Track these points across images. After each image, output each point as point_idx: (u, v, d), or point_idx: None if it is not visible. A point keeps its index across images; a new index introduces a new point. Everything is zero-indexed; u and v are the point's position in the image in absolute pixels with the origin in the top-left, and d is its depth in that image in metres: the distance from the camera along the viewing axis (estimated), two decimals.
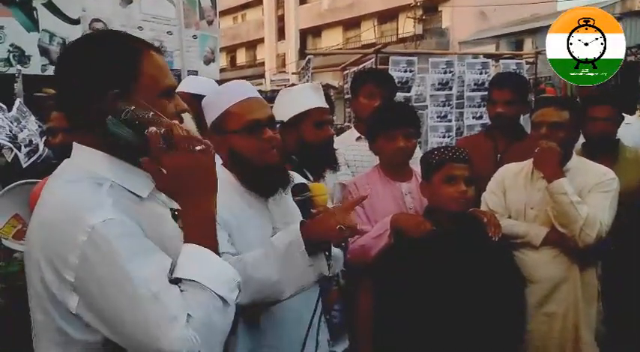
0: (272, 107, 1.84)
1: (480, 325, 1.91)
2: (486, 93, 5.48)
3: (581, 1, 17.25)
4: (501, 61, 5.99)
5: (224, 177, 1.66)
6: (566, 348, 2.21)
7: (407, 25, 22.32)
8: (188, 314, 0.97)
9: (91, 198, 1.03)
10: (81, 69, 1.09)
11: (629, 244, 2.36)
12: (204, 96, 2.60)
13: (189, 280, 1.01)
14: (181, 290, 1.00)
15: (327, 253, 1.52)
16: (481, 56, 5.89)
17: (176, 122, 1.07)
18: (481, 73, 5.39)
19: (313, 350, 1.59)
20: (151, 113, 1.05)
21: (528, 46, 15.11)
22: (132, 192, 1.12)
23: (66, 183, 1.08)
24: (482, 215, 2.16)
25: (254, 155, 1.57)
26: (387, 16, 24.17)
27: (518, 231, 2.27)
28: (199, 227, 1.08)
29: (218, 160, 1.74)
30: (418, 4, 22.16)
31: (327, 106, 2.25)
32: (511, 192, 2.37)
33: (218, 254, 1.10)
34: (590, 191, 2.19)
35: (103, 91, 1.06)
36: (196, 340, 0.96)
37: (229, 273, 1.09)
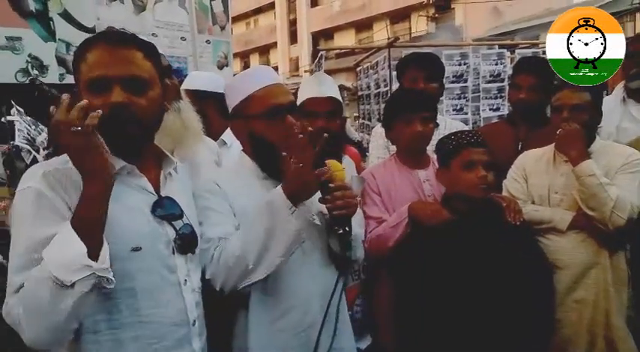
0: None
1: (506, 316, 1.85)
2: (502, 84, 5.48)
3: None
4: (517, 50, 5.91)
5: (244, 162, 1.67)
6: (598, 336, 2.14)
7: (419, 24, 22.22)
8: (22, 284, 1.12)
9: (33, 171, 1.23)
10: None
11: None
12: (207, 92, 2.63)
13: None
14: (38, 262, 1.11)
15: (347, 228, 1.52)
16: (496, 47, 5.80)
17: (64, 98, 1.10)
18: (497, 64, 5.33)
19: (330, 338, 1.57)
20: (53, 91, 1.12)
21: (544, 40, 14.89)
22: None
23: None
24: (502, 200, 2.11)
25: (275, 140, 1.56)
26: (399, 15, 24.08)
27: (543, 216, 2.21)
28: (79, 207, 1.14)
29: (239, 146, 1.75)
30: (431, 2, 22.04)
31: (329, 95, 2.19)
32: (533, 177, 2.31)
33: (95, 234, 1.13)
34: (616, 172, 2.13)
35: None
36: (18, 307, 1.11)
37: (74, 256, 1.09)
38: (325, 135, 1.44)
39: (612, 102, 3.30)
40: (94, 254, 1.11)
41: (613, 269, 2.15)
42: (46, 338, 1.12)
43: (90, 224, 1.12)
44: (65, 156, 1.20)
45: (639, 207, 2.07)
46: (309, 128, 1.44)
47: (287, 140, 1.45)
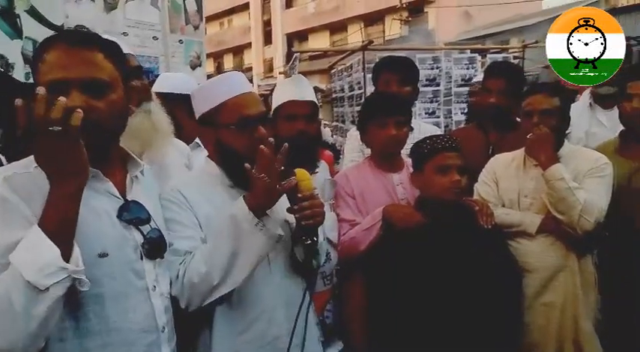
0: None
1: (476, 317, 1.88)
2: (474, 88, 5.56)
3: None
4: (488, 55, 6.01)
5: (210, 169, 1.64)
6: (566, 339, 2.17)
7: (393, 27, 22.41)
8: None
9: None
10: None
11: (623, 230, 2.34)
12: (179, 94, 2.59)
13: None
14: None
15: (315, 239, 1.52)
16: (468, 51, 5.89)
17: (40, 93, 1.03)
18: (468, 68, 5.41)
19: (300, 346, 1.55)
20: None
21: (514, 45, 15.20)
22: None
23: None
24: (474, 204, 2.13)
25: (244, 152, 1.53)
26: (373, 18, 24.25)
27: (513, 219, 2.24)
28: (49, 209, 1.09)
29: (204, 152, 1.72)
30: (404, 5, 22.26)
31: (307, 98, 2.18)
32: (503, 181, 2.34)
33: (67, 236, 1.10)
34: (584, 176, 2.17)
35: None
36: None
37: (48, 259, 1.05)
38: (286, 144, 1.42)
39: (580, 108, 3.37)
40: (66, 256, 1.07)
41: (581, 272, 2.19)
42: (19, 346, 1.07)
43: (63, 225, 1.09)
44: (24, 161, 1.17)
45: (605, 210, 2.11)
46: (271, 139, 1.42)
47: (255, 152, 1.43)
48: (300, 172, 1.50)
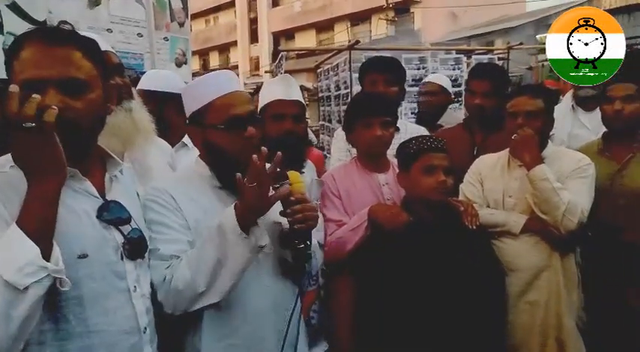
0: None
1: (460, 316, 1.89)
2: (459, 88, 5.61)
3: (549, 2, 17.62)
4: (474, 56, 6.06)
5: (199, 170, 1.62)
6: (549, 337, 2.20)
7: (380, 27, 22.49)
8: None
9: None
10: None
11: (606, 230, 2.38)
12: (166, 92, 2.56)
13: None
14: None
15: (307, 242, 1.50)
16: (453, 52, 5.93)
17: (12, 91, 1.01)
18: (454, 69, 5.44)
19: (293, 348, 1.55)
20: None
21: (499, 46, 15.37)
22: None
23: None
24: (459, 204, 2.14)
25: (233, 152, 1.51)
26: (360, 18, 24.33)
27: (497, 219, 2.26)
28: (27, 208, 1.07)
29: (190, 152, 1.70)
30: (390, 5, 22.33)
31: (295, 98, 2.18)
32: (488, 182, 2.36)
33: (47, 234, 1.07)
34: (567, 177, 2.19)
35: None
36: None
37: (28, 258, 1.03)
38: (279, 154, 1.39)
39: (563, 110, 3.41)
40: (45, 255, 1.05)
41: (564, 271, 2.21)
42: None
43: (41, 224, 1.07)
44: (0, 160, 1.15)
45: (588, 210, 2.14)
46: (264, 149, 1.38)
47: (243, 153, 1.42)
48: (293, 175, 1.48)
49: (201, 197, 1.56)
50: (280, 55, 6.59)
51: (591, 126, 3.27)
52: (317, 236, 2.08)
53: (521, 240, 2.22)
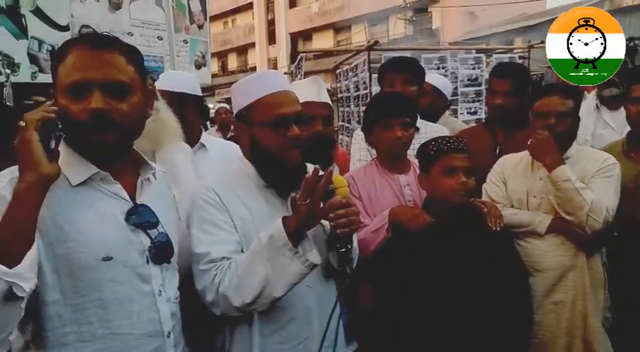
0: None
1: (485, 319, 1.86)
2: (480, 88, 5.56)
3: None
4: (494, 55, 6.00)
5: (244, 169, 1.63)
6: (576, 337, 2.17)
7: (397, 27, 22.40)
8: None
9: (3, 174, 1.17)
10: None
11: (632, 230, 2.33)
12: (186, 94, 2.58)
13: None
14: None
15: (349, 246, 1.49)
16: (473, 51, 5.88)
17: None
18: (474, 68, 5.40)
19: (332, 348, 1.55)
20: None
21: (519, 44, 15.19)
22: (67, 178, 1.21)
23: None
24: (483, 205, 2.11)
25: (276, 150, 1.53)
26: (377, 18, 24.22)
27: (522, 219, 2.23)
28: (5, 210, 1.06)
29: (208, 153, 1.71)
30: (408, 5, 22.23)
31: (325, 100, 2.18)
32: (512, 181, 2.33)
33: (19, 235, 1.04)
34: (592, 177, 2.16)
35: None
36: None
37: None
38: (331, 168, 1.42)
39: (587, 110, 3.36)
40: (15, 259, 1.01)
41: (590, 271, 2.19)
42: None
43: (9, 223, 1.03)
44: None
45: (614, 210, 2.11)
46: (317, 167, 1.39)
47: (287, 153, 1.44)
48: (337, 179, 1.47)
49: (247, 196, 1.57)
50: (300, 57, 6.60)
51: (616, 125, 3.21)
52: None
53: (547, 241, 2.20)
